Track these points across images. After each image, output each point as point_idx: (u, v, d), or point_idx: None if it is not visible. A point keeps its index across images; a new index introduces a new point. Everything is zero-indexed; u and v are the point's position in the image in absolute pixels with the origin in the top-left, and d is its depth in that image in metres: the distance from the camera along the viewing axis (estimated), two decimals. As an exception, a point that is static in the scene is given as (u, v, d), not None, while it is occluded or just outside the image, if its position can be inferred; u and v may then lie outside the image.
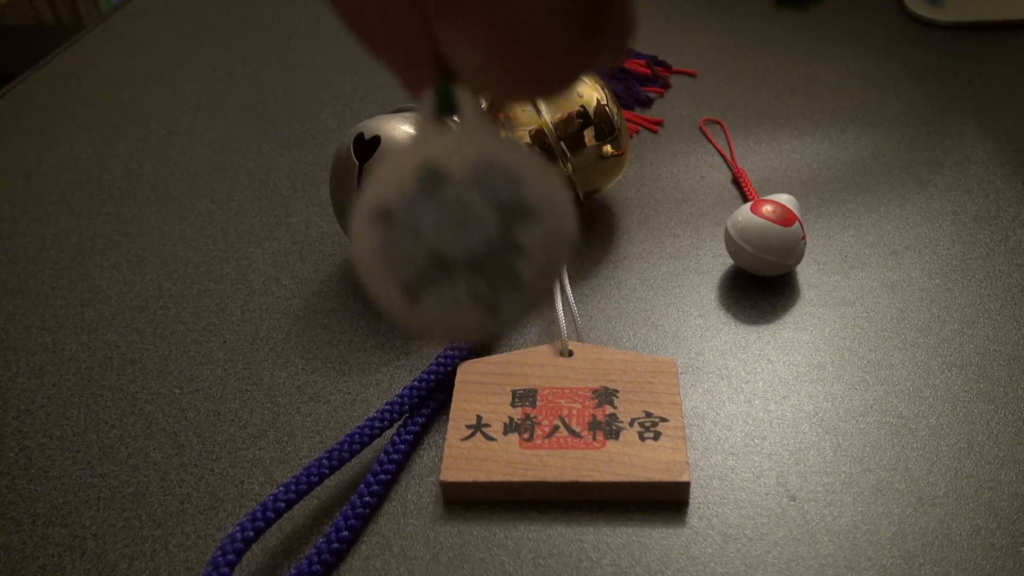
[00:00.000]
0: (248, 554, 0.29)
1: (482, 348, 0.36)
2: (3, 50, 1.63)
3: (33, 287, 0.42)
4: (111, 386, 0.36)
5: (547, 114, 0.40)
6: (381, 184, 0.14)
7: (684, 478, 0.30)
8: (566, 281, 0.37)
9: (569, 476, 0.30)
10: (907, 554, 0.28)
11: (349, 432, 0.32)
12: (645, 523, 0.29)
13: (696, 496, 0.30)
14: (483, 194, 0.13)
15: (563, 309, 0.35)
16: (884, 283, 0.39)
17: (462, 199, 0.13)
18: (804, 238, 0.38)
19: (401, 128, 0.37)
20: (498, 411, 0.32)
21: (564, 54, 0.12)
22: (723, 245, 0.41)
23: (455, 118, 0.14)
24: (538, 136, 0.40)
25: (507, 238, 0.14)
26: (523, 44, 0.12)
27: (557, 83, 0.13)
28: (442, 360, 0.34)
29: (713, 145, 0.50)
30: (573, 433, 0.31)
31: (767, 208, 0.38)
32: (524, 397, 0.33)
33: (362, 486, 0.30)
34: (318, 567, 0.28)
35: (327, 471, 0.30)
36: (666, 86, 0.56)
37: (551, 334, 0.37)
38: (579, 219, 0.15)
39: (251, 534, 0.28)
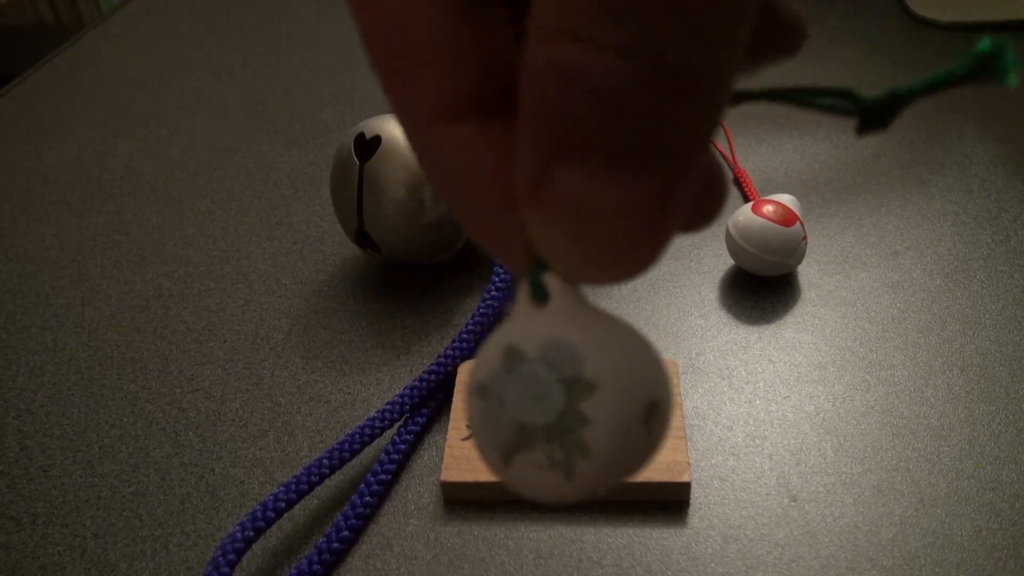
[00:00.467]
0: (248, 554, 0.29)
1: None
2: (3, 49, 1.63)
3: (33, 286, 0.42)
4: (111, 386, 0.36)
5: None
6: (481, 361, 0.17)
7: (685, 478, 0.29)
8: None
9: (570, 476, 0.30)
10: (908, 555, 0.28)
11: (349, 432, 0.32)
12: (646, 523, 0.29)
13: (697, 496, 0.30)
14: (550, 370, 0.15)
15: (564, 309, 0.35)
16: (885, 283, 0.39)
17: (534, 374, 0.16)
18: (805, 238, 0.38)
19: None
20: (499, 411, 0.32)
21: (635, 245, 0.14)
22: (724, 245, 0.41)
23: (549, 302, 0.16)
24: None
25: (572, 409, 0.15)
26: (595, 240, 0.14)
27: (632, 271, 0.14)
28: (443, 360, 0.34)
29: (713, 144, 0.50)
30: (574, 433, 0.31)
31: (768, 208, 0.38)
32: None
33: (362, 486, 0.30)
34: (318, 567, 0.28)
35: (327, 471, 0.30)
36: (667, 86, 0.56)
37: (552, 334, 0.37)
38: (667, 382, 0.16)
39: (251, 534, 0.28)
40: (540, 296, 0.16)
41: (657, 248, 0.14)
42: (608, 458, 0.16)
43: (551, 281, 0.16)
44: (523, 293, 0.16)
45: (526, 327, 0.16)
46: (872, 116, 0.17)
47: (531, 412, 0.16)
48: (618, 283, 0.15)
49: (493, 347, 0.16)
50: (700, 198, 0.15)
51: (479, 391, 0.16)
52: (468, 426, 0.17)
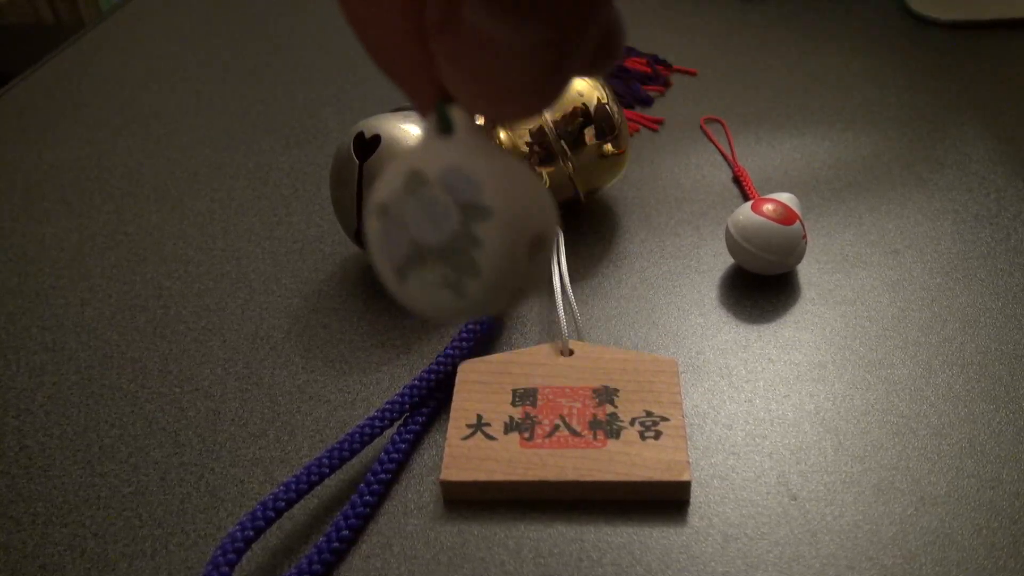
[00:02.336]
0: (248, 553, 0.29)
1: (483, 347, 0.36)
2: (3, 49, 1.63)
3: (33, 286, 0.42)
4: (111, 385, 0.36)
5: (548, 113, 0.40)
6: (383, 183, 0.17)
7: (685, 477, 0.29)
8: (566, 280, 0.37)
9: (570, 475, 0.30)
10: (908, 553, 0.28)
11: (349, 431, 0.32)
12: (646, 522, 0.29)
13: (697, 495, 0.30)
14: (449, 194, 0.17)
15: (563, 308, 0.35)
16: (885, 282, 0.39)
17: (434, 198, 0.17)
18: (805, 237, 0.38)
19: (401, 127, 0.37)
20: (499, 410, 0.32)
21: (535, 84, 0.15)
22: (724, 244, 0.41)
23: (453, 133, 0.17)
24: (539, 135, 0.40)
25: (467, 232, 0.17)
26: (498, 77, 0.15)
27: (528, 109, 0.15)
28: (442, 359, 0.34)
29: (714, 144, 0.50)
30: (574, 432, 0.31)
31: (768, 207, 0.38)
32: (525, 396, 0.33)
33: (362, 485, 0.30)
34: (318, 566, 0.28)
35: (327, 470, 0.30)
36: (667, 85, 0.56)
37: (552, 333, 0.37)
38: (553, 219, 0.17)
39: (251, 533, 0.28)
40: (445, 127, 0.17)
41: (553, 90, 0.15)
42: (495, 280, 0.17)
43: (456, 115, 0.17)
44: (429, 124, 0.17)
45: (430, 154, 0.17)
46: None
47: (428, 232, 0.17)
48: (517, 119, 0.16)
49: (396, 171, 0.17)
50: (599, 47, 0.16)
51: (380, 211, 0.18)
52: (367, 246, 0.17)
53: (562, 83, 0.15)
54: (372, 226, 0.18)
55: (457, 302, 0.17)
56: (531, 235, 0.17)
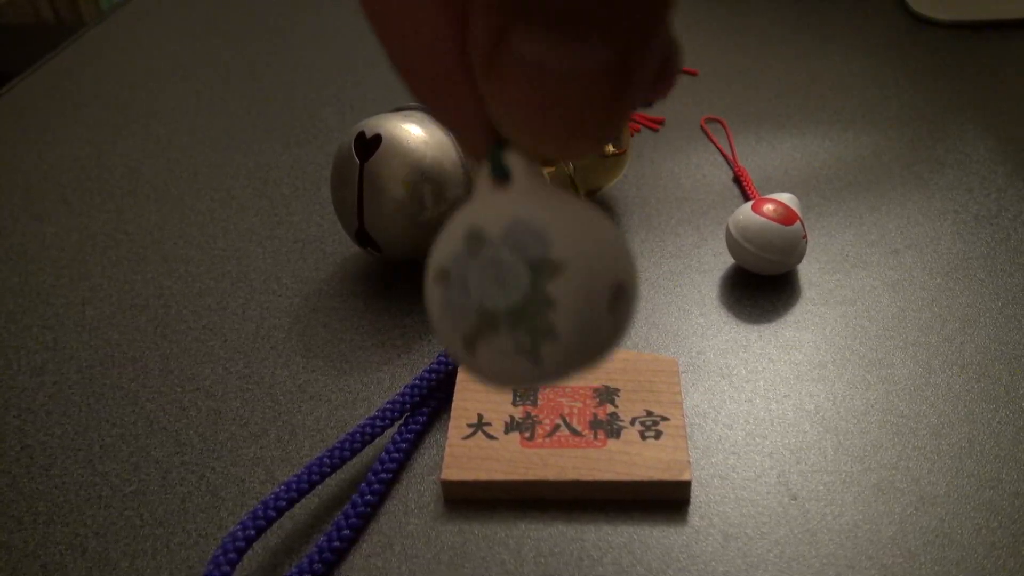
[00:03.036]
0: (249, 553, 0.29)
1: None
2: (3, 48, 1.63)
3: (34, 285, 0.42)
4: (112, 384, 0.36)
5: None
6: (441, 245, 0.16)
7: (685, 477, 0.30)
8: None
9: (570, 475, 0.30)
10: (908, 553, 0.28)
11: (350, 431, 0.32)
12: (646, 522, 0.29)
13: (697, 495, 0.30)
14: (514, 252, 0.15)
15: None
16: (885, 282, 0.39)
17: (498, 257, 0.15)
18: (805, 237, 0.38)
19: (402, 126, 0.37)
20: (499, 410, 0.32)
21: (595, 116, 0.13)
22: (724, 244, 0.41)
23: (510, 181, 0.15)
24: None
25: (538, 292, 0.15)
26: (557, 111, 0.13)
27: (592, 143, 0.14)
28: (443, 359, 0.34)
29: (714, 144, 0.50)
30: (574, 432, 0.31)
31: (768, 207, 0.38)
32: (525, 396, 0.33)
33: (363, 485, 0.30)
34: (319, 566, 0.28)
35: (328, 470, 0.30)
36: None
37: (552, 333, 0.37)
38: (633, 265, 0.16)
39: (252, 533, 0.28)
40: (501, 175, 0.15)
41: (617, 120, 0.14)
42: (575, 341, 0.15)
43: (513, 161, 0.15)
44: (484, 175, 0.16)
45: (488, 208, 0.15)
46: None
47: (495, 296, 0.15)
48: (579, 157, 0.15)
49: (454, 231, 0.16)
50: (658, 71, 0.14)
51: (440, 276, 0.16)
52: (429, 314, 0.16)
53: (626, 112, 0.14)
54: (434, 294, 0.16)
55: (535, 369, 0.15)
56: (611, 286, 0.15)
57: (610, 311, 0.15)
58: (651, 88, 0.15)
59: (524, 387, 0.17)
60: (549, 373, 0.15)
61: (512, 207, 0.15)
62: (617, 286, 0.15)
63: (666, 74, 0.15)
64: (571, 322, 0.15)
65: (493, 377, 0.16)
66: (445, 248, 0.16)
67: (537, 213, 0.15)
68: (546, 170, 0.40)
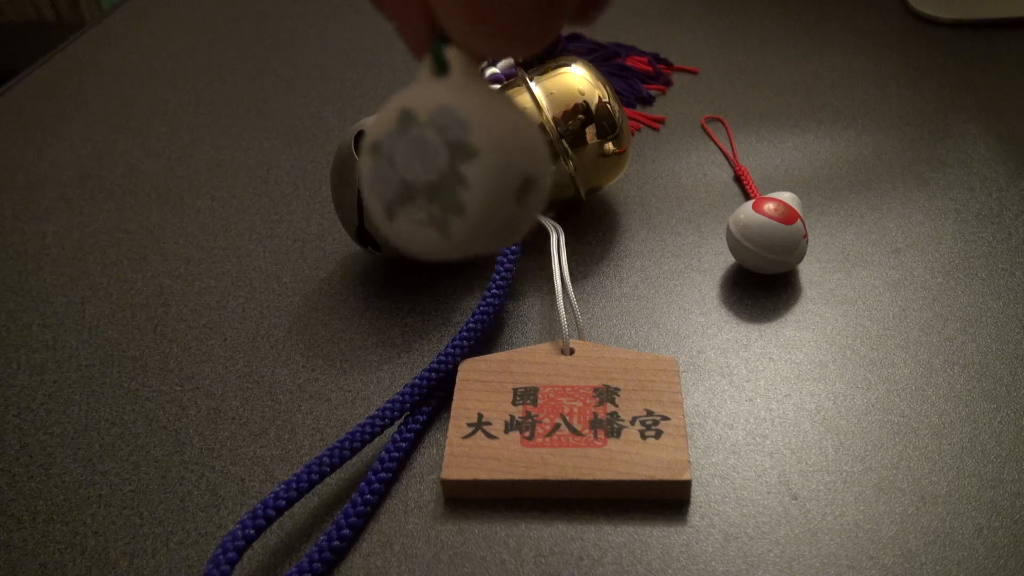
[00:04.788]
0: (249, 552, 0.29)
1: (484, 346, 0.36)
2: (4, 47, 1.63)
3: (34, 284, 0.42)
4: (112, 383, 0.36)
5: (548, 111, 0.40)
6: (377, 122, 0.18)
7: (685, 477, 0.29)
8: (567, 279, 0.37)
9: (570, 474, 0.30)
10: (909, 553, 0.28)
11: (350, 430, 0.32)
12: (646, 521, 0.29)
13: (697, 495, 0.30)
14: (438, 134, 0.17)
15: (564, 307, 0.35)
16: (886, 281, 0.39)
17: (424, 137, 0.17)
18: (806, 236, 0.38)
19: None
20: (499, 409, 0.32)
21: (523, 18, 0.15)
22: (725, 243, 0.41)
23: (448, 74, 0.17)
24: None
25: (454, 171, 0.17)
26: (494, 11, 0.15)
27: (525, 45, 0.16)
28: (443, 358, 0.34)
29: (715, 143, 0.50)
30: (574, 431, 0.31)
31: (769, 206, 0.38)
32: (525, 395, 0.33)
33: (363, 484, 0.30)
34: (319, 565, 0.28)
35: (328, 469, 0.30)
36: (668, 84, 0.56)
37: (552, 332, 0.37)
38: (545, 162, 0.18)
39: (252, 532, 0.28)
40: (440, 67, 0.17)
41: (548, 26, 0.16)
42: (480, 219, 0.17)
43: (451, 56, 0.17)
44: (425, 64, 0.18)
45: (423, 94, 0.17)
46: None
47: (416, 171, 0.17)
48: (514, 55, 0.17)
49: (390, 110, 0.18)
50: None
51: (373, 149, 0.18)
52: (360, 182, 0.18)
53: (555, 19, 0.16)
54: (365, 164, 0.18)
55: (442, 241, 0.18)
56: (520, 177, 0.17)
57: (517, 200, 0.17)
58: (581, 5, 0.17)
59: (433, 257, 0.18)
60: (455, 246, 0.18)
61: (444, 95, 0.17)
62: (527, 179, 0.17)
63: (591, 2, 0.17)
64: (478, 202, 0.17)
65: (406, 244, 0.18)
66: (380, 124, 0.18)
67: (464, 103, 0.17)
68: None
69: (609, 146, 0.41)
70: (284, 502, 0.29)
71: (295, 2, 0.71)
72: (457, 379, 0.33)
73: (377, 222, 0.19)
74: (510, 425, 0.31)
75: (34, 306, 0.40)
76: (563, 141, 0.40)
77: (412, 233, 0.18)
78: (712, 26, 0.63)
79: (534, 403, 0.32)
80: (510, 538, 0.29)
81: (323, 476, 0.30)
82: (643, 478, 0.29)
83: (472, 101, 0.17)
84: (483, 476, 0.30)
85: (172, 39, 0.66)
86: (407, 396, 0.33)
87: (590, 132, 0.40)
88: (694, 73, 0.57)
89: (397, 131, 0.18)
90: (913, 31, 0.60)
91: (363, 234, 0.39)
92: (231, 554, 0.27)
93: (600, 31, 0.62)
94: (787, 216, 0.37)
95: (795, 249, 0.38)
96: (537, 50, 0.17)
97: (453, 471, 0.30)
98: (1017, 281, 0.39)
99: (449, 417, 0.32)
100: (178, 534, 0.30)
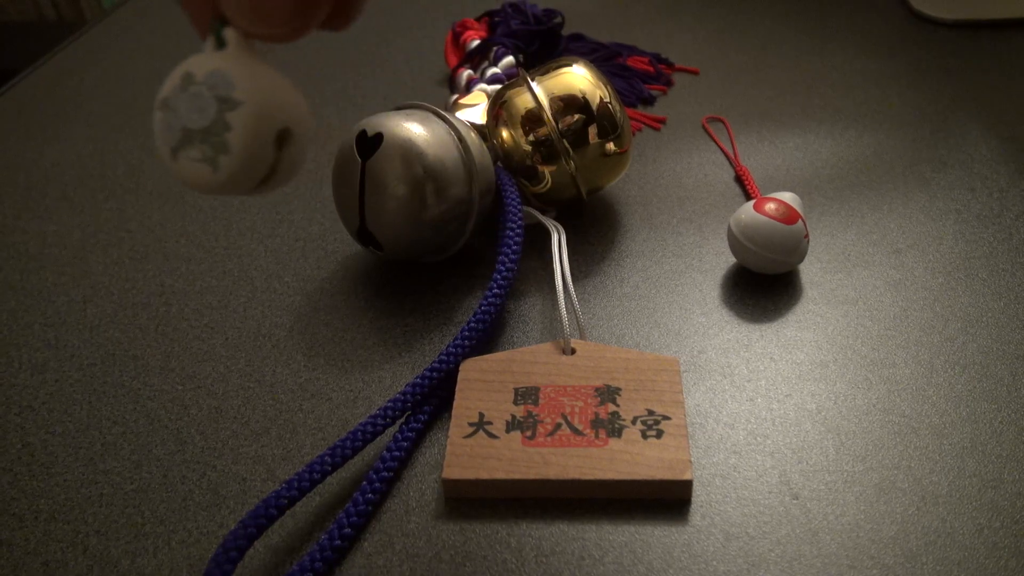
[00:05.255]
0: (251, 551, 0.29)
1: (485, 346, 0.36)
2: (5, 46, 1.63)
3: (35, 283, 0.42)
4: (113, 383, 0.36)
5: (549, 111, 0.40)
6: (167, 81, 0.23)
7: (686, 476, 0.29)
8: (568, 278, 0.37)
9: (571, 474, 0.30)
10: (910, 553, 0.28)
11: (351, 429, 0.32)
12: (647, 521, 0.29)
13: (698, 494, 0.30)
14: (210, 91, 0.22)
15: (565, 307, 0.35)
16: (887, 282, 0.39)
17: (200, 92, 0.22)
18: (807, 236, 0.38)
19: (404, 125, 0.37)
20: (500, 409, 0.32)
21: (291, 12, 0.20)
22: (726, 243, 0.41)
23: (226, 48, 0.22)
24: (542, 134, 0.40)
25: (222, 119, 0.22)
26: (264, 7, 0.20)
27: (288, 32, 0.21)
28: (444, 357, 0.34)
29: (716, 143, 0.50)
30: (575, 431, 0.31)
31: (770, 206, 0.38)
32: (526, 395, 0.33)
33: (364, 483, 0.30)
34: (320, 564, 0.28)
35: (329, 468, 0.30)
36: (669, 84, 0.56)
37: (553, 332, 0.37)
38: (303, 118, 0.23)
39: (253, 531, 0.28)
40: (220, 44, 0.22)
41: (305, 18, 0.21)
42: (244, 158, 0.22)
43: (229, 35, 0.22)
44: (209, 43, 0.23)
45: (203, 61, 0.22)
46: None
47: (194, 120, 0.22)
48: (279, 40, 0.21)
49: (176, 73, 0.23)
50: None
51: (163, 105, 0.23)
52: (155, 132, 0.23)
53: (313, 16, 0.21)
54: (156, 116, 0.23)
55: (213, 175, 0.22)
56: (277, 126, 0.22)
57: (276, 145, 0.22)
58: (337, 7, 0.22)
59: (206, 191, 0.23)
60: (223, 180, 0.22)
61: (218, 62, 0.22)
62: (284, 128, 0.22)
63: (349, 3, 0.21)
64: (241, 142, 0.22)
65: (186, 179, 0.23)
66: (168, 84, 0.23)
67: (233, 68, 0.22)
68: (548, 169, 0.40)
69: (610, 146, 0.41)
70: (286, 501, 0.29)
71: (296, 2, 0.71)
72: (458, 379, 0.33)
73: (164, 163, 0.24)
74: (511, 425, 0.31)
75: (36, 305, 0.40)
76: (564, 141, 0.40)
77: (190, 170, 0.22)
78: (713, 26, 0.63)
79: (535, 403, 0.32)
80: (511, 537, 0.29)
81: (324, 475, 0.30)
82: (644, 478, 0.29)
83: (240, 67, 0.22)
84: (484, 476, 0.30)
85: (173, 38, 0.66)
86: (408, 395, 0.33)
87: (591, 132, 0.40)
88: (695, 73, 0.57)
89: (180, 88, 0.22)
90: (914, 31, 0.60)
91: (364, 234, 0.39)
92: (233, 553, 0.27)
93: (601, 31, 0.62)
94: (788, 216, 0.37)
95: (796, 249, 0.38)
96: (299, 37, 0.21)
97: (454, 470, 0.30)
98: (1018, 281, 0.39)
99: (450, 417, 0.32)
100: (180, 533, 0.30)
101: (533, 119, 0.40)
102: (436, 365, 0.34)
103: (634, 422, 0.31)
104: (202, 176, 0.22)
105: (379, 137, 0.37)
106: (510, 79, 0.49)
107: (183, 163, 0.23)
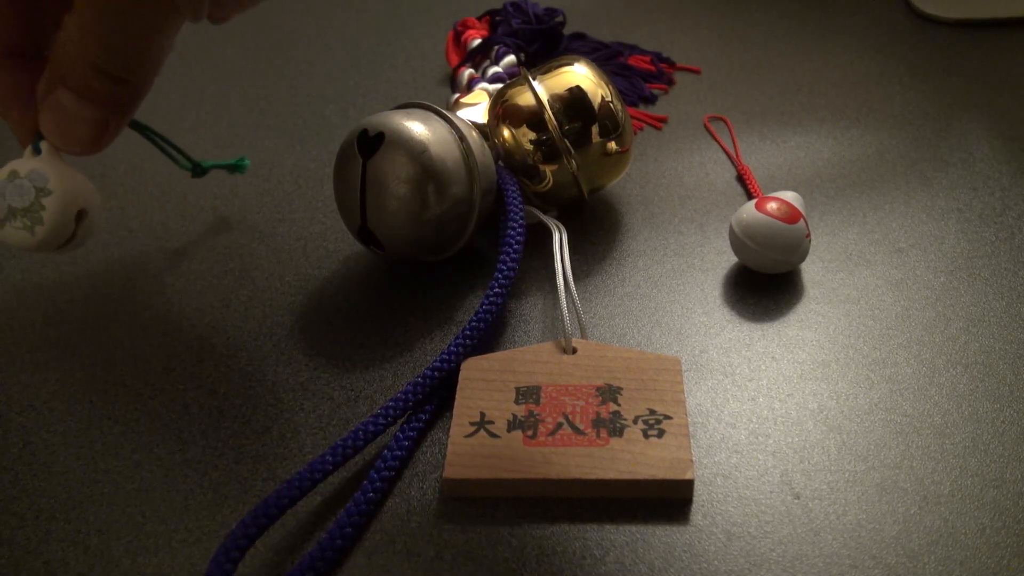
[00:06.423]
0: (252, 550, 0.29)
1: (486, 345, 0.36)
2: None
3: (36, 282, 0.42)
4: (115, 382, 0.36)
5: (550, 110, 0.40)
6: None
7: (688, 476, 0.29)
8: (570, 278, 0.37)
9: (573, 473, 0.30)
10: (912, 552, 0.28)
11: (353, 429, 0.32)
12: (649, 521, 0.29)
13: (700, 494, 0.30)
14: (31, 182, 0.32)
15: (567, 306, 0.35)
16: (889, 281, 0.39)
17: (23, 183, 0.32)
18: (808, 235, 0.38)
19: (405, 123, 0.37)
20: (501, 408, 0.32)
21: (91, 137, 0.32)
22: (727, 242, 0.41)
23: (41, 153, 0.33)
24: (543, 133, 0.40)
25: (38, 202, 0.32)
26: (71, 130, 0.32)
27: (87, 150, 0.32)
28: (445, 357, 0.34)
29: (717, 142, 0.50)
30: (577, 430, 0.31)
31: (772, 205, 0.38)
32: (528, 394, 0.33)
33: (365, 483, 0.30)
34: (321, 563, 0.28)
35: (330, 468, 0.30)
36: (670, 83, 0.56)
37: (555, 331, 0.37)
38: (94, 202, 0.35)
39: (254, 530, 0.28)
40: (36, 151, 0.33)
41: (99, 144, 0.32)
42: (53, 228, 0.33)
43: (44, 145, 0.32)
44: (28, 149, 0.33)
45: (25, 162, 0.33)
46: (198, 172, 0.43)
47: (17, 201, 0.32)
48: (82, 154, 0.32)
49: (4, 169, 0.33)
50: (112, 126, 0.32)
51: None
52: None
53: (107, 141, 0.32)
54: None
55: (31, 239, 0.33)
56: (77, 207, 0.33)
57: (76, 220, 0.33)
58: (118, 131, 0.32)
59: (27, 251, 0.34)
60: (38, 242, 0.33)
61: (37, 164, 0.32)
62: (82, 209, 0.33)
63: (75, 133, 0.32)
64: (51, 218, 0.32)
65: (11, 242, 0.33)
66: None
67: (47, 168, 0.32)
68: (549, 168, 0.40)
69: (612, 145, 0.41)
70: (287, 500, 0.29)
71: (297, 1, 0.71)
72: (459, 378, 0.33)
73: None
74: (512, 424, 0.31)
75: (37, 304, 0.40)
76: (566, 140, 0.40)
77: (14, 235, 0.33)
78: (715, 25, 0.63)
79: (536, 402, 0.32)
80: (512, 537, 0.29)
81: (326, 474, 0.30)
82: (646, 477, 0.29)
83: (51, 168, 0.32)
84: (485, 475, 0.30)
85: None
86: (409, 395, 0.33)
87: (593, 131, 0.40)
88: (697, 72, 0.57)
89: (7, 181, 0.33)
90: (916, 30, 0.60)
91: (365, 233, 0.39)
92: (234, 552, 0.27)
93: (602, 30, 0.61)
94: (790, 215, 0.37)
95: (798, 248, 0.38)
96: (94, 153, 0.33)
97: (455, 470, 0.30)
98: (1020, 281, 0.39)
99: (451, 416, 0.32)
100: (181, 532, 0.30)
101: (534, 118, 0.40)
102: (437, 364, 0.34)
103: (635, 421, 0.31)
104: (23, 239, 0.33)
105: (380, 136, 0.37)
106: (511, 78, 0.49)
107: (9, 230, 0.33)
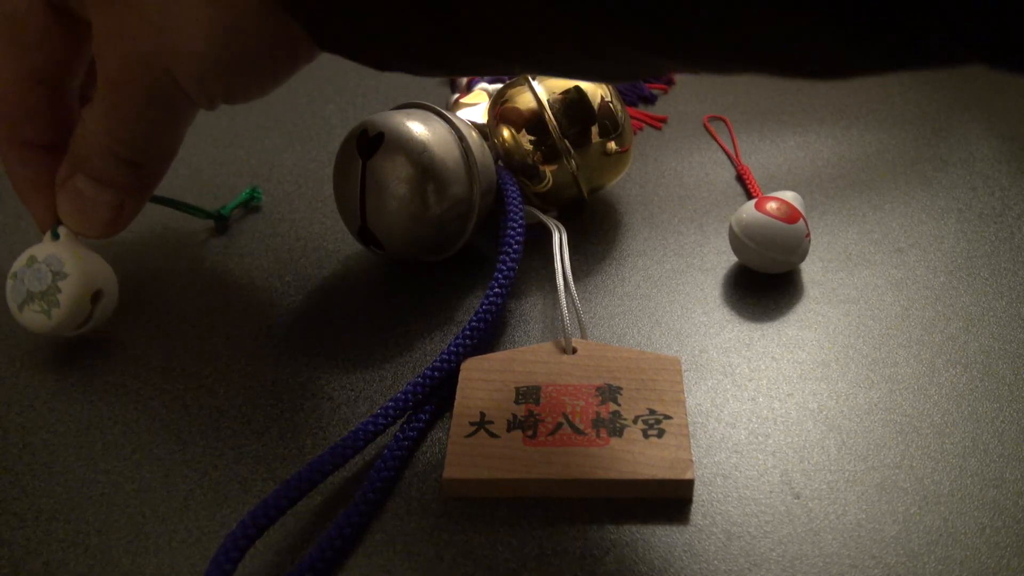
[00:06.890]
0: (251, 550, 0.29)
1: (486, 345, 0.36)
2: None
3: (36, 283, 0.42)
4: (114, 382, 0.36)
5: (550, 110, 0.40)
6: (16, 262, 0.35)
7: (688, 476, 0.29)
8: (569, 278, 0.37)
9: (573, 473, 0.30)
10: (911, 552, 0.28)
11: (352, 429, 0.32)
12: (649, 520, 0.29)
13: (700, 494, 0.30)
14: (47, 267, 0.33)
15: (566, 306, 0.35)
16: (888, 281, 0.39)
17: (40, 268, 0.34)
18: (808, 235, 0.38)
19: (405, 124, 0.37)
20: (501, 408, 0.32)
21: (109, 221, 0.34)
22: (727, 242, 0.41)
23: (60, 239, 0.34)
24: (543, 133, 0.40)
25: (54, 286, 0.33)
26: (89, 215, 0.33)
27: (104, 233, 0.34)
28: (445, 357, 0.34)
29: (717, 142, 0.50)
30: (577, 430, 0.31)
31: (771, 205, 0.38)
32: (527, 394, 0.33)
33: (365, 483, 0.30)
34: (321, 564, 0.28)
35: (330, 468, 0.30)
36: (670, 82, 0.56)
37: (554, 331, 0.37)
38: (110, 284, 0.36)
39: (254, 530, 0.28)
40: (55, 236, 0.34)
41: (116, 227, 0.34)
42: (69, 311, 0.34)
43: (62, 230, 0.34)
44: (47, 235, 0.34)
45: (43, 248, 0.34)
46: (222, 222, 0.43)
47: (35, 285, 0.33)
48: (99, 238, 0.34)
49: (24, 255, 0.34)
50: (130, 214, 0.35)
51: (12, 276, 0.35)
52: (6, 297, 0.35)
53: (119, 224, 0.34)
54: (8, 284, 0.35)
55: (48, 322, 0.34)
56: (93, 289, 0.34)
57: (92, 302, 0.35)
58: (134, 213, 0.35)
59: (44, 334, 0.35)
60: (55, 325, 0.34)
61: (54, 249, 0.34)
62: (98, 291, 0.35)
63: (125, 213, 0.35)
64: (67, 301, 0.33)
65: (29, 325, 0.34)
66: (17, 262, 0.35)
67: (63, 253, 0.34)
68: (549, 168, 0.40)
69: (611, 145, 0.41)
70: (287, 501, 0.29)
71: (297, 1, 0.71)
72: (459, 378, 0.33)
73: (13, 314, 0.35)
74: (512, 424, 0.31)
75: (37, 305, 0.40)
76: (566, 140, 0.40)
77: (31, 319, 0.34)
78: (714, 25, 0.63)
79: (536, 402, 0.32)
80: (512, 537, 0.29)
81: (325, 475, 0.30)
82: (646, 477, 0.29)
83: (68, 253, 0.34)
84: (485, 475, 0.30)
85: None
86: (409, 395, 0.33)
87: (593, 131, 0.40)
88: (696, 72, 0.57)
89: (26, 266, 0.34)
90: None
91: (365, 233, 0.39)
92: (233, 553, 0.27)
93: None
94: (789, 215, 0.37)
95: (797, 248, 0.38)
96: (110, 237, 0.35)
97: (455, 470, 0.30)
98: (1020, 280, 0.39)
99: (451, 416, 0.32)
100: (180, 532, 0.30)
101: (534, 118, 0.40)
102: (437, 364, 0.33)
103: (635, 421, 0.31)
104: (40, 322, 0.34)
105: (380, 136, 0.37)
106: (511, 78, 0.49)
107: (28, 314, 0.34)
